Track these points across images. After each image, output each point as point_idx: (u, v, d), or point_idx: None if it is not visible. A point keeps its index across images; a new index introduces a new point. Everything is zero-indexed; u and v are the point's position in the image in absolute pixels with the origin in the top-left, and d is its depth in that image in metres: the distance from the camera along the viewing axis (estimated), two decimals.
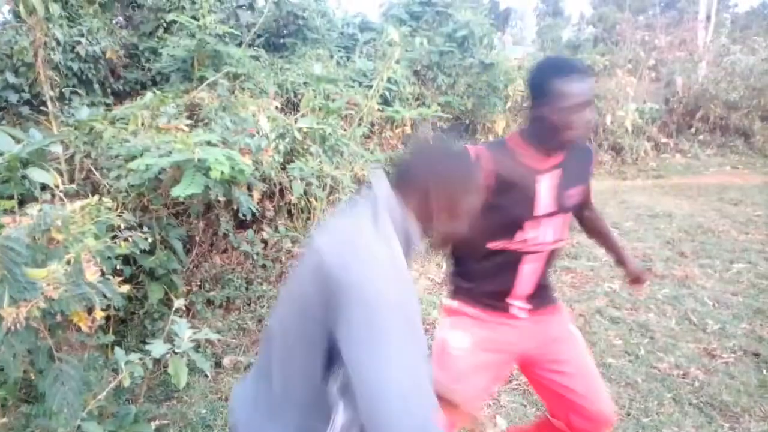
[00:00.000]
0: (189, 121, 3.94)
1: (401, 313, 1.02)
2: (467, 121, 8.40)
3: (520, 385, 2.99)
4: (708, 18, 19.12)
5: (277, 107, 4.60)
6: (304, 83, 5.97)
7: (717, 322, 3.71)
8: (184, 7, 6.43)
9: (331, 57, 7.33)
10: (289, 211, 4.17)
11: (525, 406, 2.85)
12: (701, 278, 4.49)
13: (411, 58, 7.72)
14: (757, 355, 3.29)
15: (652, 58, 12.10)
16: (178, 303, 2.14)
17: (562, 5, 39.17)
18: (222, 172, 2.82)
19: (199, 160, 2.90)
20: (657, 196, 7.68)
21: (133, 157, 3.10)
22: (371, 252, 1.06)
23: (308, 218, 4.19)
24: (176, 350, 1.84)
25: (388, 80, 5.98)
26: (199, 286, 3.66)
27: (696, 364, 3.19)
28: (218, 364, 3.15)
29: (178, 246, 3.42)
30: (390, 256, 1.06)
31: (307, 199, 4.09)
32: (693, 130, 11.46)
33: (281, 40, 7.49)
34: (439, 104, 7.36)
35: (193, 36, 5.26)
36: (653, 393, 2.92)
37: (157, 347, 1.81)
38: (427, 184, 1.17)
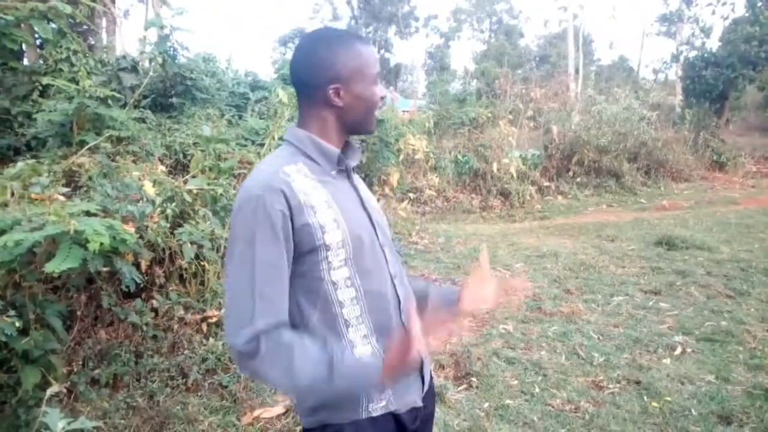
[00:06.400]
0: (66, 189, 3.74)
1: (248, 214, 1.15)
2: (363, 175, 8.58)
3: None
4: (577, 71, 21.01)
5: (163, 170, 4.47)
6: (194, 144, 5.85)
7: (602, 355, 3.94)
8: (61, 70, 6.18)
9: (222, 116, 7.27)
10: (181, 276, 4.02)
11: None
12: (586, 313, 4.78)
13: None
14: (638, 382, 3.52)
15: (530, 109, 13.08)
16: (53, 389, 1.98)
17: (448, 61, 41.54)
18: (101, 244, 2.68)
19: (75, 231, 2.74)
20: (543, 236, 8.16)
21: (2, 232, 2.88)
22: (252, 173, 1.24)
23: (201, 282, 4.06)
24: None
25: (281, 138, 6.01)
26: (82, 365, 3.39)
27: (585, 397, 3.36)
28: None
29: (57, 323, 3.17)
30: (266, 168, 1.21)
31: (199, 262, 3.97)
32: (571, 173, 12.41)
33: (169, 101, 7.34)
34: None
35: (71, 99, 5.03)
36: (549, 430, 3.03)
37: None
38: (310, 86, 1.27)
